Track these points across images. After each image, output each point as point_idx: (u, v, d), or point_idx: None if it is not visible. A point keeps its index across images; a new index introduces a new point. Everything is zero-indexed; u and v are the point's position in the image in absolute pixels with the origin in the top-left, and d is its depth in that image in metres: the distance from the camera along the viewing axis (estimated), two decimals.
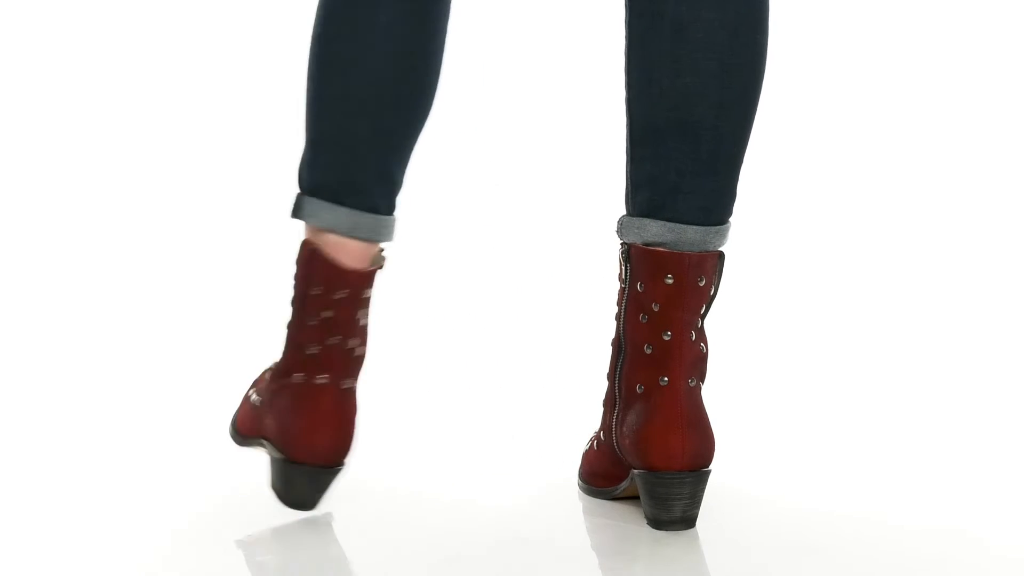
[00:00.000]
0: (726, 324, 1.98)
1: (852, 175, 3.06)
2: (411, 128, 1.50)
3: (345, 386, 1.48)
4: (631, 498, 1.55)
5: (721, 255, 1.48)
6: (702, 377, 1.47)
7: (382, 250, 1.50)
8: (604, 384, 1.56)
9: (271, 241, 1.98)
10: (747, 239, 2.87)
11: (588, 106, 2.81)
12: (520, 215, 2.98)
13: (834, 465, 1.76)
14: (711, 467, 1.45)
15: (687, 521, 1.45)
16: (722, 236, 1.49)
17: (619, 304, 1.51)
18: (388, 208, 1.49)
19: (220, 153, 3.07)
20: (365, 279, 1.48)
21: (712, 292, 1.48)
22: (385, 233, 1.49)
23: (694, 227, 1.47)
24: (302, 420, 1.48)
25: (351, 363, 1.49)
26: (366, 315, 1.50)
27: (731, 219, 1.51)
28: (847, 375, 2.31)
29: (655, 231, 1.47)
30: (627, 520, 1.49)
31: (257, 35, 3.03)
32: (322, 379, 1.48)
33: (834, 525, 1.49)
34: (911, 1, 3.11)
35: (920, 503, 1.59)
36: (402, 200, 1.53)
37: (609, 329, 1.54)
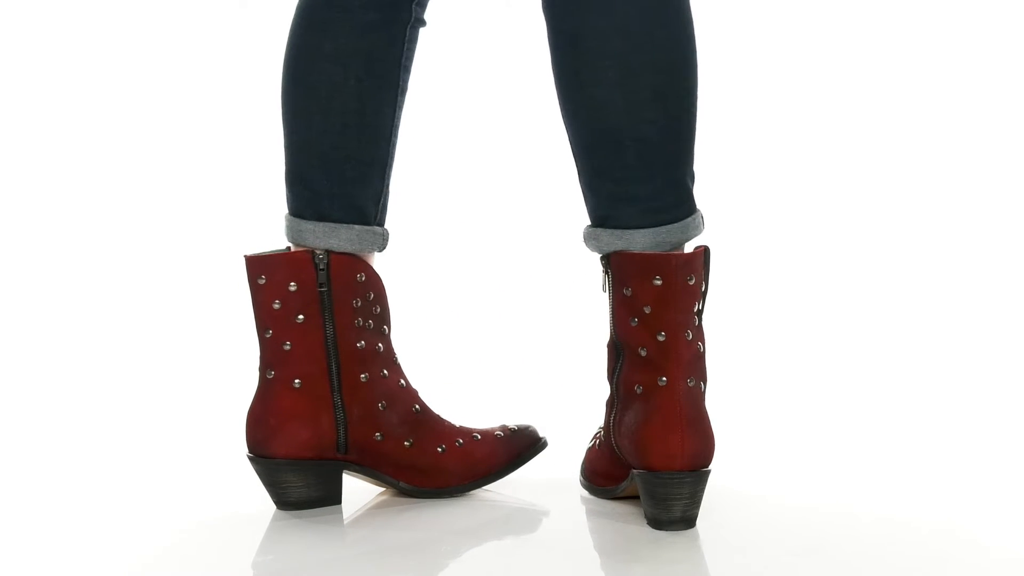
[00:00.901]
0: (726, 324, 1.98)
1: (854, 176, 3.06)
2: (347, 144, 1.55)
3: (268, 375, 1.53)
4: (632, 498, 1.55)
5: (707, 250, 1.47)
6: (703, 376, 1.47)
7: (316, 253, 1.54)
8: (605, 384, 1.56)
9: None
10: (749, 239, 2.87)
11: None
12: (522, 214, 2.98)
13: (834, 465, 1.76)
14: (711, 467, 1.45)
15: (687, 521, 1.45)
16: (679, 233, 1.47)
17: None
18: (310, 213, 1.55)
19: (230, 157, 3.07)
20: (251, 264, 1.54)
21: (703, 289, 1.48)
22: (301, 235, 1.55)
23: (641, 231, 1.47)
24: None
25: (267, 352, 1.54)
26: (287, 305, 1.53)
27: (695, 213, 1.49)
28: (846, 376, 2.32)
29: (607, 240, 1.48)
30: (627, 520, 1.49)
31: (260, 38, 3.03)
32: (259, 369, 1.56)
33: (834, 525, 1.48)
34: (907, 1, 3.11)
35: (920, 503, 1.59)
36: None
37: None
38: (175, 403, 2.22)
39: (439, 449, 1.59)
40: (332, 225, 1.54)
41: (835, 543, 1.42)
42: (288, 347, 1.53)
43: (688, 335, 1.45)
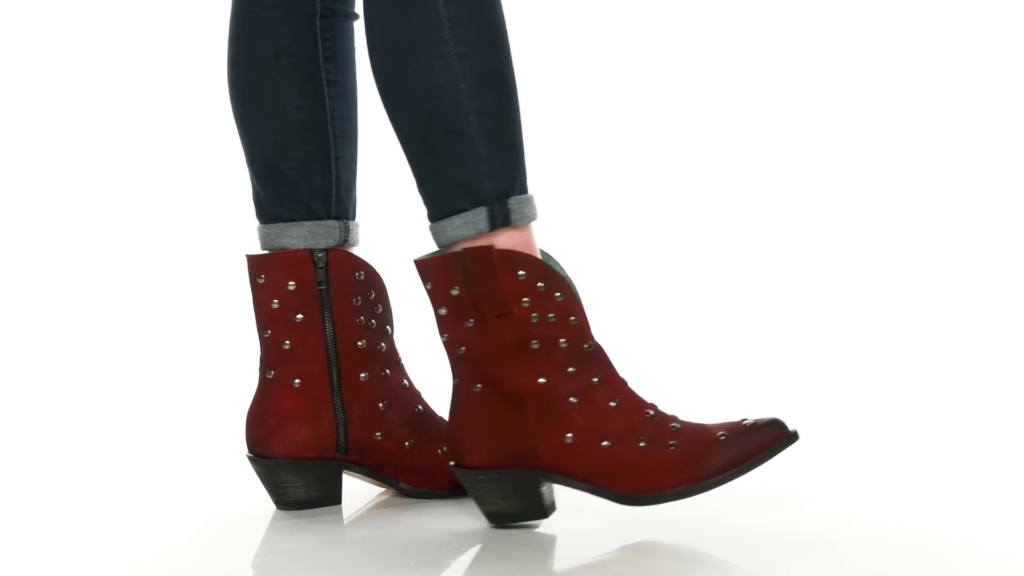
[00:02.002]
0: (725, 323, 1.98)
1: (854, 176, 3.06)
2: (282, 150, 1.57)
3: (268, 375, 1.54)
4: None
5: (450, 257, 1.42)
6: (475, 377, 1.44)
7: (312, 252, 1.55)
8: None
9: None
10: (749, 237, 2.87)
11: (588, 108, 2.82)
12: None
13: (833, 465, 1.76)
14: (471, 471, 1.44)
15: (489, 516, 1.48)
16: (438, 234, 1.44)
17: None
18: (265, 217, 1.57)
19: (233, 157, 3.08)
20: (251, 263, 1.55)
21: (461, 294, 1.43)
22: (262, 240, 1.57)
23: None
24: None
25: (266, 351, 1.55)
26: (286, 304, 1.54)
27: (452, 215, 1.43)
28: (846, 375, 2.31)
29: None
30: (627, 521, 1.49)
31: None
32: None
33: (834, 525, 1.48)
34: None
35: (919, 503, 1.59)
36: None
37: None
38: (176, 403, 2.23)
39: (440, 450, 1.59)
40: (282, 225, 1.56)
41: (835, 543, 1.42)
42: (288, 346, 1.53)
43: (444, 337, 1.45)
